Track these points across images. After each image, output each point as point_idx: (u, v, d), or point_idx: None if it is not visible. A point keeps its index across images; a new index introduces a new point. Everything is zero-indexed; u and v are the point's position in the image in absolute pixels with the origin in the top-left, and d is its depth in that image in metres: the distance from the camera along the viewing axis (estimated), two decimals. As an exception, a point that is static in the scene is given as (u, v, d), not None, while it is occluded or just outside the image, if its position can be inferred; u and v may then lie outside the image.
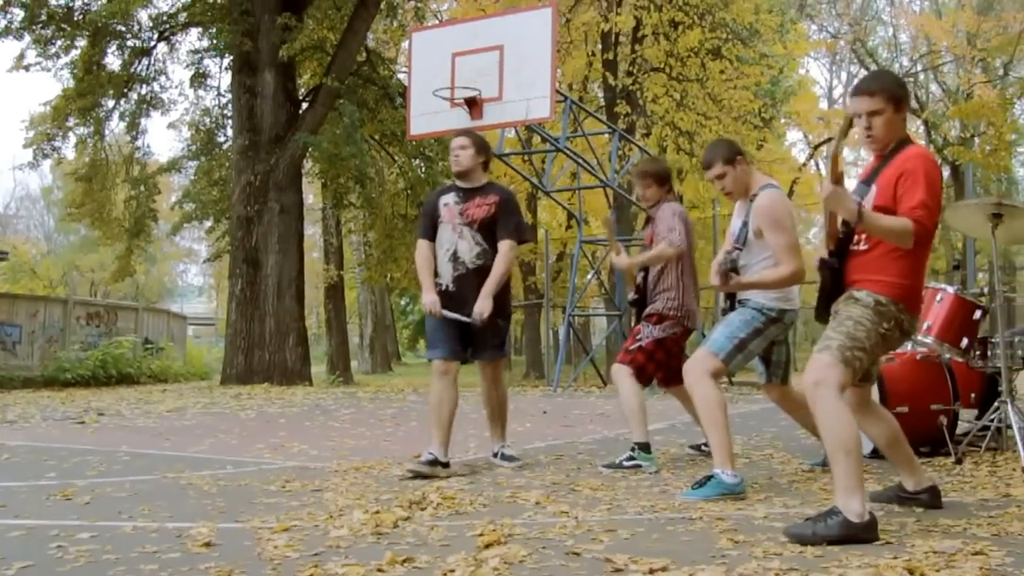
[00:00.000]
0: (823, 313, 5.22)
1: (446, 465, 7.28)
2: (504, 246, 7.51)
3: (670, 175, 8.19)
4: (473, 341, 7.58)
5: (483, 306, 7.33)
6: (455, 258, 7.56)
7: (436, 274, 7.65)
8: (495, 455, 7.90)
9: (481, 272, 7.48)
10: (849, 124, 5.08)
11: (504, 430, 8.01)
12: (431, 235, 7.70)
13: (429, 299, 7.52)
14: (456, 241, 7.56)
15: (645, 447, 7.45)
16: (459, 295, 7.49)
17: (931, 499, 5.47)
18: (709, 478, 6.08)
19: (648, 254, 7.76)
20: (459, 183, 7.75)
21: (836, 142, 5.07)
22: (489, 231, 7.54)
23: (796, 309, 6.64)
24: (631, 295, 8.23)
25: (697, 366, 6.40)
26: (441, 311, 7.47)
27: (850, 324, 4.93)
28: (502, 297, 7.60)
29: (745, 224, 6.51)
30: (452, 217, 7.60)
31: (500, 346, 7.77)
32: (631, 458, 7.42)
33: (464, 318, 7.41)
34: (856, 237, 5.19)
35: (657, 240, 7.63)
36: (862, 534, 4.55)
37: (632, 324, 8.06)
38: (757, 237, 6.41)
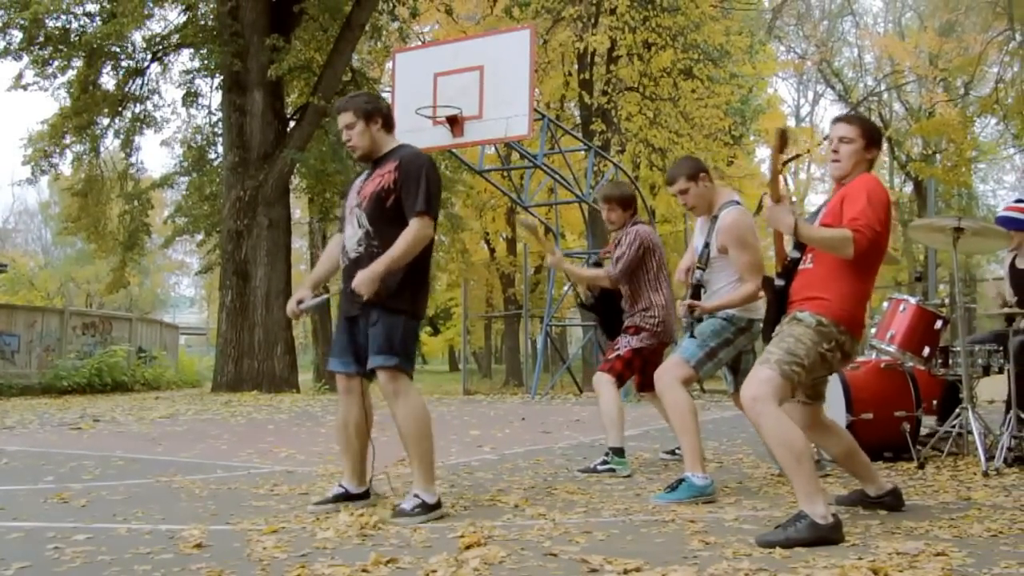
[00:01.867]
0: (769, 334, 5.22)
1: (362, 496, 5.97)
2: (411, 224, 5.62)
3: (634, 199, 8.13)
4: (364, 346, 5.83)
5: (359, 280, 5.55)
6: (344, 250, 5.92)
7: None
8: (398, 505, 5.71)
9: (366, 259, 5.67)
10: (782, 141, 5.12)
11: (422, 472, 5.67)
12: (342, 227, 6.09)
13: (295, 295, 6.23)
14: (347, 229, 5.91)
15: (620, 452, 7.47)
16: (345, 292, 5.82)
17: (894, 501, 5.50)
18: (681, 481, 6.11)
19: (586, 271, 7.94)
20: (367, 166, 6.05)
21: (773, 161, 5.10)
22: (379, 208, 5.74)
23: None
24: (587, 296, 8.23)
25: (668, 373, 6.42)
26: (292, 308, 6.14)
27: (791, 340, 4.96)
28: (405, 291, 5.72)
29: (707, 244, 6.53)
30: (351, 201, 5.93)
31: (388, 352, 5.66)
32: (605, 462, 7.45)
33: (317, 300, 6.10)
34: (804, 256, 5.23)
35: (613, 262, 7.66)
36: (830, 535, 4.57)
37: (596, 330, 8.02)
38: (721, 254, 6.44)
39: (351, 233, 5.82)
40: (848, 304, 5.04)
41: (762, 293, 6.03)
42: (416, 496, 5.56)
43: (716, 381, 34.75)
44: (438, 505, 5.61)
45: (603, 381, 7.53)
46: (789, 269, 5.25)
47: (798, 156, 44.91)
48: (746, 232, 6.38)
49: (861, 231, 4.86)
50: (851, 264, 4.99)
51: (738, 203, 6.56)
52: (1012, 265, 8.45)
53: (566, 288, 26.16)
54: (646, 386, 7.66)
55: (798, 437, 4.77)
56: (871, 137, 5.30)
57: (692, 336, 6.51)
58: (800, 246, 5.23)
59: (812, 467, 4.78)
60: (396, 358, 5.67)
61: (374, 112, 5.92)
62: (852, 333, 5.06)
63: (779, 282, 5.26)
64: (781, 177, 5.13)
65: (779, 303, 5.27)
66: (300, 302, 6.10)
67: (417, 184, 5.67)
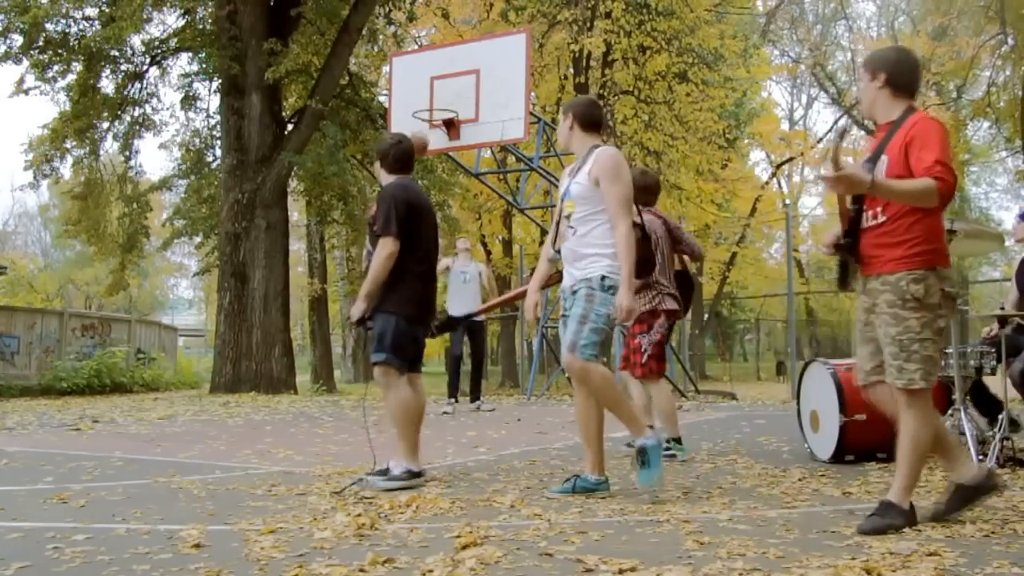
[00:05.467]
0: (844, 283, 5.32)
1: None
2: (378, 247, 6.81)
3: (657, 188, 8.72)
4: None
5: (354, 309, 6.94)
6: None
7: None
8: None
9: (368, 270, 6.99)
10: (842, 136, 5.21)
11: (406, 449, 6.77)
12: None
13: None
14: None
15: (679, 440, 8.15)
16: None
17: (993, 485, 5.26)
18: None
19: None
20: None
21: (835, 149, 5.07)
22: (371, 231, 7.06)
23: None
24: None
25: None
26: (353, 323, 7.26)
27: (916, 346, 4.96)
28: (391, 294, 6.82)
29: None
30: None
31: (379, 348, 6.82)
32: (667, 449, 7.77)
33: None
34: (870, 212, 5.18)
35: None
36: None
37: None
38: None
39: (367, 252, 6.84)
40: (932, 243, 5.03)
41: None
42: (402, 464, 6.69)
43: (714, 382, 34.82)
44: (420, 474, 6.72)
45: (650, 383, 8.20)
46: (854, 226, 5.22)
47: (792, 159, 44.97)
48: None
49: (943, 178, 4.79)
50: (925, 208, 4.96)
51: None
52: (1022, 263, 8.50)
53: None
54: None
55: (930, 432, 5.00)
56: (872, 69, 5.31)
57: None
58: (857, 198, 5.19)
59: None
60: (384, 354, 6.78)
61: (384, 153, 7.19)
62: (945, 265, 5.05)
63: (845, 240, 5.24)
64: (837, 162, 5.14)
65: (852, 255, 5.24)
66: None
67: (385, 210, 6.78)
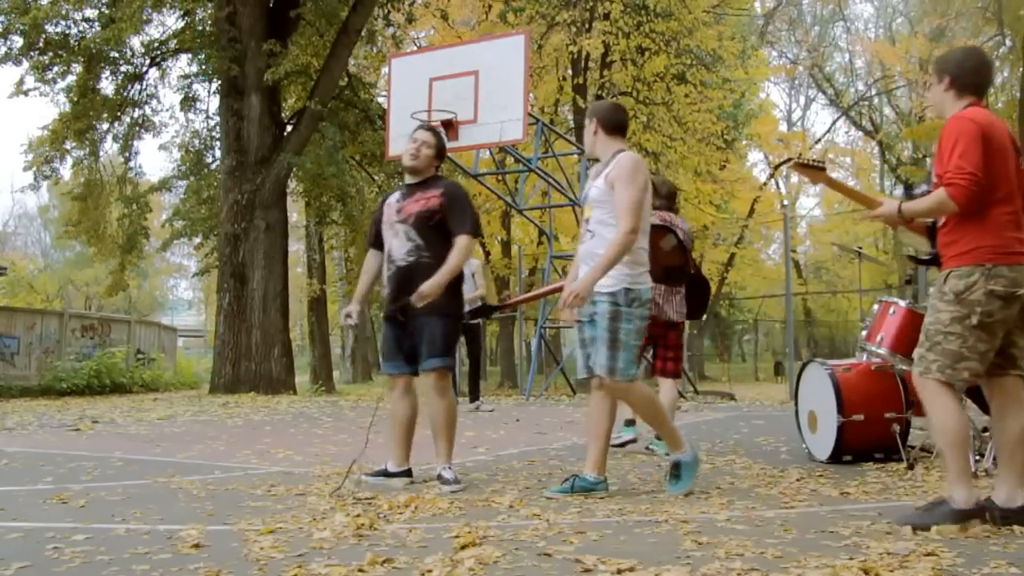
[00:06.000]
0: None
1: (406, 474, 6.88)
2: (460, 241, 6.67)
3: (675, 195, 8.98)
4: (414, 348, 6.75)
5: (425, 289, 6.46)
6: (389, 258, 6.85)
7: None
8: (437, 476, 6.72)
9: (413, 270, 6.66)
10: (807, 167, 5.39)
11: (449, 451, 6.79)
12: (375, 242, 7.21)
13: (345, 309, 7.20)
14: (391, 241, 6.85)
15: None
16: (392, 297, 6.77)
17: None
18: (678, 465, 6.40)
19: None
20: (407, 179, 7.06)
21: (835, 186, 5.14)
22: (426, 226, 6.72)
23: None
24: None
25: None
26: (344, 321, 7.21)
27: (940, 338, 5.01)
28: (448, 298, 6.65)
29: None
30: (390, 217, 6.89)
31: (443, 353, 6.67)
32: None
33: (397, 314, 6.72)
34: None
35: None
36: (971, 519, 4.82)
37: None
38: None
39: (399, 245, 6.76)
40: (984, 240, 4.99)
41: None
42: (451, 468, 6.67)
43: (712, 382, 34.84)
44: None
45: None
46: (932, 235, 5.34)
47: (789, 160, 44.97)
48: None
49: (953, 183, 4.83)
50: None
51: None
52: None
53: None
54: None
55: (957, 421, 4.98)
56: (939, 71, 5.34)
57: None
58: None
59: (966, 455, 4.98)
60: (447, 359, 6.69)
61: (443, 148, 7.13)
62: (1005, 261, 4.98)
63: (932, 252, 5.41)
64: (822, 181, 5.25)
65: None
66: (348, 316, 7.10)
67: (464, 210, 6.79)
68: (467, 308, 7.60)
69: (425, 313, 6.56)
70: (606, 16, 28.11)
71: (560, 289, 7.92)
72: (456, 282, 6.75)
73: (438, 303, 6.55)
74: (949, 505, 4.88)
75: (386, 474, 6.82)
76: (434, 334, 6.62)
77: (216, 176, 25.87)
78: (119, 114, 27.03)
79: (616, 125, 6.50)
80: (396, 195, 7.02)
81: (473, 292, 14.44)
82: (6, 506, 5.95)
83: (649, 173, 6.38)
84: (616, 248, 6.03)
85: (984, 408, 8.02)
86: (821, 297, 53.08)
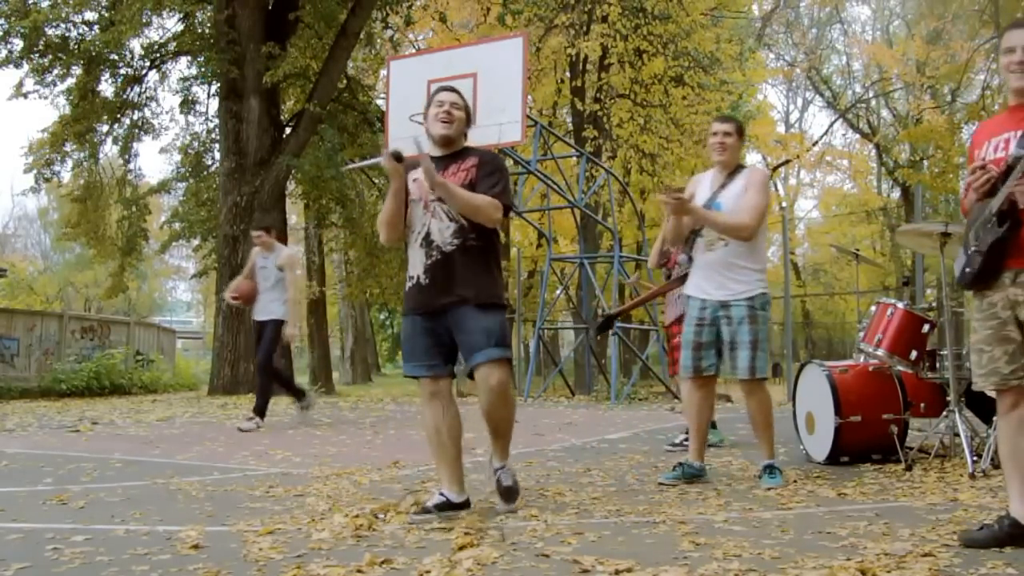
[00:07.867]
0: (980, 287, 4.66)
1: (463, 505, 5.73)
2: (489, 198, 5.65)
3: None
4: (456, 343, 5.76)
5: (439, 178, 5.60)
6: (428, 242, 5.70)
7: (409, 266, 5.88)
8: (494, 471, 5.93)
9: (460, 253, 5.65)
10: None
11: (507, 451, 6.00)
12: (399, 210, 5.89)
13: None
14: (428, 221, 5.73)
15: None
16: (433, 287, 5.66)
17: None
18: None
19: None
20: (435, 150, 5.93)
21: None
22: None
23: None
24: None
25: None
26: (390, 162, 5.79)
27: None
28: (497, 284, 5.82)
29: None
30: (423, 194, 5.80)
31: (503, 344, 5.65)
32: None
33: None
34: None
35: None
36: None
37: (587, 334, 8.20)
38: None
39: (439, 227, 5.71)
40: None
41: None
42: (509, 470, 5.88)
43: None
44: None
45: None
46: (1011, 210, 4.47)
47: (788, 162, 44.98)
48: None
49: None
50: None
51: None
52: None
53: (558, 292, 26.19)
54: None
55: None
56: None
57: None
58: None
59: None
60: (508, 349, 5.73)
61: (470, 110, 6.12)
62: None
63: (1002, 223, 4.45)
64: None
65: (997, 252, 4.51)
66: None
67: (499, 178, 5.76)
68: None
69: (471, 303, 5.63)
70: (604, 19, 28.10)
71: (663, 292, 8.35)
72: (499, 271, 5.88)
73: (489, 292, 5.71)
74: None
75: (451, 506, 5.63)
76: (490, 325, 5.61)
77: (215, 178, 25.89)
78: (119, 116, 27.04)
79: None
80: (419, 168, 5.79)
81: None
82: (6, 507, 5.95)
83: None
84: (732, 225, 6.56)
85: (983, 417, 8.04)
86: (819, 299, 53.05)
